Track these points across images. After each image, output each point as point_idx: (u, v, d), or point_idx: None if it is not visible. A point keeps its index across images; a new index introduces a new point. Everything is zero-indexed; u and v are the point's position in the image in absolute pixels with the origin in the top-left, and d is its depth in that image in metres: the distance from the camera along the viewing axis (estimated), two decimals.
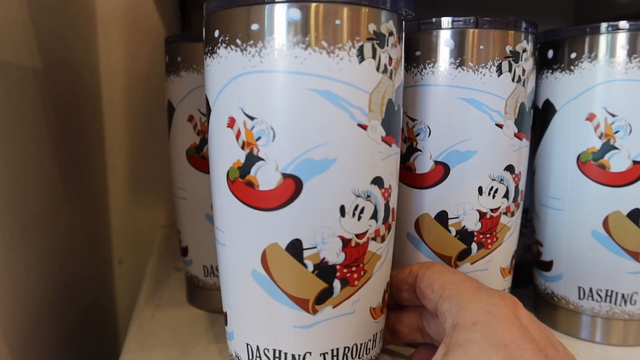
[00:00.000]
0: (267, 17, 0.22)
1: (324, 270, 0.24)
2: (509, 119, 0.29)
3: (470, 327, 0.21)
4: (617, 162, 0.31)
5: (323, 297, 0.24)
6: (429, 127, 0.29)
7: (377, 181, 0.24)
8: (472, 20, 0.28)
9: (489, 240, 0.30)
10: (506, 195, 0.30)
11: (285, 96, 0.22)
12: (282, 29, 0.22)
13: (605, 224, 0.32)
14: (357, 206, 0.24)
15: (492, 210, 0.30)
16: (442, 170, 0.29)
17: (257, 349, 0.25)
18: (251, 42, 0.23)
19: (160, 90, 0.59)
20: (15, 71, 0.35)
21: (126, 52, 0.60)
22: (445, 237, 0.30)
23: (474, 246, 0.30)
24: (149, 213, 0.64)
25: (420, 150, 0.30)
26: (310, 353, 0.25)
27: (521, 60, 0.29)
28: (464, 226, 0.30)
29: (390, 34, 0.24)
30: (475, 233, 0.30)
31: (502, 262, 0.31)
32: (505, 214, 0.30)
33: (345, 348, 0.25)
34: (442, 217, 0.30)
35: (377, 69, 0.23)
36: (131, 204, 0.63)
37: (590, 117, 0.31)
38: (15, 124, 0.34)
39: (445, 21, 0.28)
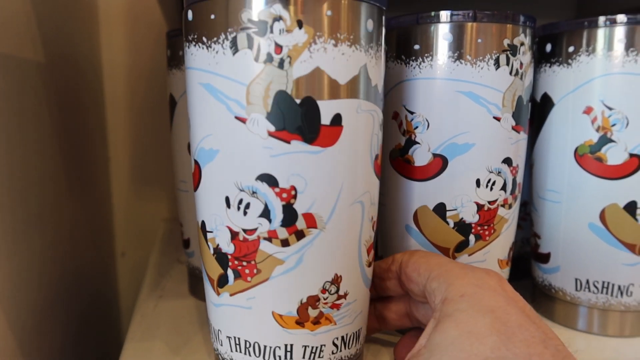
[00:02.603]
0: (184, 18, 0.24)
1: (219, 257, 0.25)
2: (507, 112, 0.29)
3: (458, 299, 0.22)
4: (614, 155, 0.31)
5: (222, 281, 0.25)
6: (427, 120, 0.30)
7: (266, 178, 0.23)
8: (470, 14, 0.28)
9: (487, 232, 0.31)
10: (504, 188, 0.31)
11: (188, 91, 0.25)
12: (186, 29, 0.24)
13: (602, 216, 0.32)
14: (241, 200, 0.23)
15: (489, 202, 0.30)
16: (441, 163, 0.30)
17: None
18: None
19: (162, 84, 0.59)
20: (17, 64, 0.35)
21: (128, 46, 0.60)
22: (443, 228, 0.31)
23: (471, 238, 0.31)
24: (151, 206, 0.64)
25: (418, 143, 0.30)
26: (220, 331, 0.26)
27: (519, 53, 0.29)
28: (462, 218, 0.30)
29: (277, 19, 0.21)
30: (473, 225, 0.30)
31: (500, 253, 0.32)
32: (502, 206, 0.31)
33: (246, 342, 0.25)
34: (440, 209, 0.30)
35: (256, 60, 0.22)
36: (134, 198, 0.64)
37: (588, 111, 0.32)
38: (16, 117, 0.35)
39: (444, 15, 0.29)
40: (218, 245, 0.25)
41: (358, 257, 0.25)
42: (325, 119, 0.23)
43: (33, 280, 0.37)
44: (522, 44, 0.29)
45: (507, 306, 0.21)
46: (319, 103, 0.22)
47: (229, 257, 0.24)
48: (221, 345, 0.27)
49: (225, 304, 0.25)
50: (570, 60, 0.32)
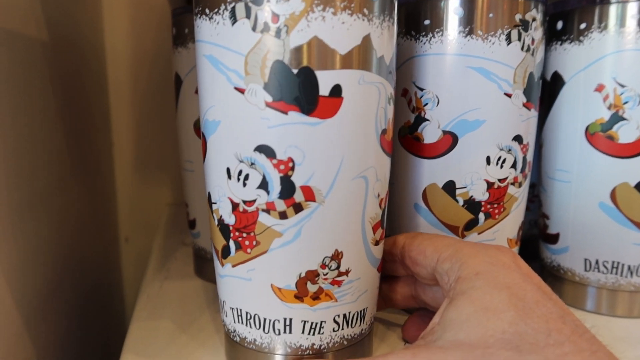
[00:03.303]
0: None
1: (222, 228, 0.25)
2: (518, 88, 0.29)
3: (473, 277, 0.22)
4: (626, 133, 0.31)
5: (225, 253, 0.25)
6: (437, 97, 0.29)
7: (264, 150, 0.23)
8: None
9: (497, 211, 0.31)
10: (514, 166, 0.30)
11: (196, 64, 0.25)
12: (195, 2, 0.24)
13: (613, 195, 0.32)
14: (240, 171, 0.23)
15: (499, 180, 0.30)
16: (450, 140, 0.29)
17: None
18: None
19: (165, 69, 0.59)
20: (22, 41, 0.35)
21: (131, 30, 0.60)
22: (452, 207, 0.30)
23: (481, 216, 0.30)
24: (155, 192, 0.64)
25: (428, 120, 0.30)
26: (225, 302, 0.27)
27: (530, 29, 0.29)
28: (472, 196, 0.30)
29: None
30: (483, 203, 0.30)
31: (509, 232, 0.32)
32: (513, 184, 0.31)
33: (247, 313, 0.25)
34: (450, 187, 0.30)
35: (254, 29, 0.22)
36: (137, 183, 0.63)
37: (599, 88, 0.31)
38: (21, 94, 0.35)
39: None
40: (221, 216, 0.25)
41: (362, 234, 0.25)
42: (324, 89, 0.22)
43: (38, 261, 0.37)
44: (534, 19, 0.29)
45: (522, 282, 0.21)
46: (317, 73, 0.22)
47: (231, 228, 0.25)
48: (226, 316, 0.27)
49: (229, 275, 0.25)
50: (581, 38, 0.32)
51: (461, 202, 0.30)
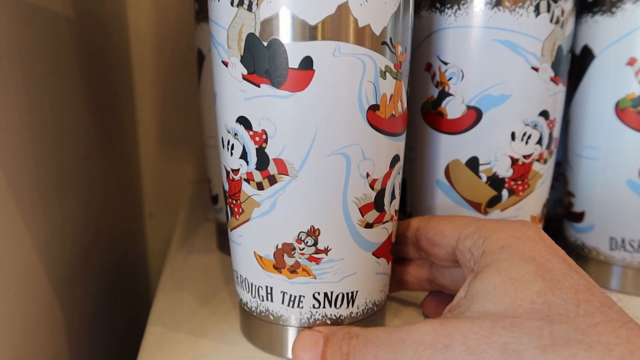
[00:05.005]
0: None
1: (224, 193, 0.26)
2: (546, 62, 0.28)
3: (498, 251, 0.22)
4: None
5: (227, 217, 0.27)
6: (462, 71, 0.29)
7: (242, 121, 0.23)
8: None
9: (520, 187, 0.30)
10: (539, 142, 0.30)
11: None
12: None
13: None
14: (228, 141, 0.24)
15: (524, 156, 0.30)
16: (475, 115, 0.29)
17: None
18: None
19: (188, 45, 0.59)
20: (46, 16, 0.35)
21: (154, 6, 0.60)
22: (475, 183, 0.30)
23: (504, 193, 0.30)
24: (178, 168, 0.65)
25: (452, 95, 0.29)
26: (232, 263, 0.28)
27: (560, 0, 0.28)
28: (495, 172, 0.30)
29: None
30: (507, 179, 0.30)
31: (533, 210, 0.31)
32: (538, 160, 0.30)
33: (240, 276, 0.27)
34: (473, 163, 0.30)
35: (232, 4, 0.22)
36: (161, 159, 0.64)
37: (631, 62, 0.30)
38: (47, 71, 0.35)
39: None
40: (222, 183, 0.26)
41: (343, 214, 0.24)
42: (294, 62, 0.22)
43: (66, 235, 0.38)
44: None
45: (548, 255, 0.21)
46: (287, 45, 0.22)
47: (226, 194, 0.26)
48: (233, 276, 0.28)
49: (230, 238, 0.27)
50: (614, 9, 0.31)
51: (484, 179, 0.30)
